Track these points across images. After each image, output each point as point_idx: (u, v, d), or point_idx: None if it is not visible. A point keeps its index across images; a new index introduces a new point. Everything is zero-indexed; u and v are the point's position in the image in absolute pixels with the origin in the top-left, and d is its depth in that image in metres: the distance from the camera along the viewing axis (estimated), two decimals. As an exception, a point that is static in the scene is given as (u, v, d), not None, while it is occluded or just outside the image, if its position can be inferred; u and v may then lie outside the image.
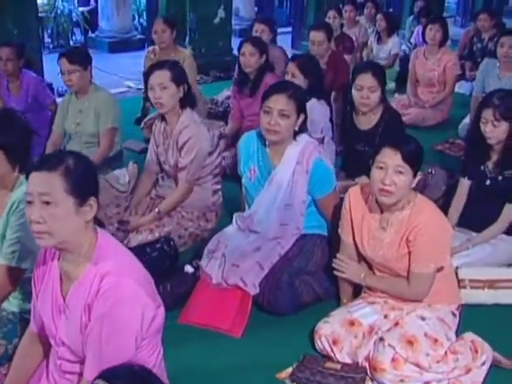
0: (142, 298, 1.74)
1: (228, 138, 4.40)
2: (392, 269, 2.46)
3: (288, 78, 3.84)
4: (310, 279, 2.81)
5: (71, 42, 9.04)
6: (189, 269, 2.96)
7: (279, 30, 11.07)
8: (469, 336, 2.46)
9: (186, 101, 3.23)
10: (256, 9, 11.80)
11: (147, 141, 4.01)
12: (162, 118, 3.33)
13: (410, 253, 2.37)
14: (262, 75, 4.23)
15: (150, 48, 5.11)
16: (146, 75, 3.23)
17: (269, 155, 2.89)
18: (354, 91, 3.54)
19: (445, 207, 3.39)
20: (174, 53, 4.95)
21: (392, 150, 2.26)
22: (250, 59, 4.19)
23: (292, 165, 2.80)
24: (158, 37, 4.87)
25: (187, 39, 7.09)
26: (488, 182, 3.12)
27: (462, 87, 6.62)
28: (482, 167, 3.14)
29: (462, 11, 11.00)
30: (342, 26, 6.09)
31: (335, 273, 2.65)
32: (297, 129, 2.80)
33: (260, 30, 5.13)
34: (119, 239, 3.29)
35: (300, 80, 3.80)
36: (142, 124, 4.94)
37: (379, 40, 6.84)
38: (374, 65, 3.70)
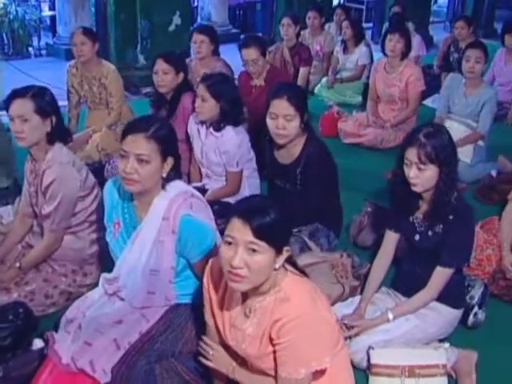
0: None
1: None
2: (258, 367, 1.88)
3: (198, 102, 3.28)
4: (178, 364, 2.23)
5: (30, 49, 8.52)
6: (37, 344, 2.40)
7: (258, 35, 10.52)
8: None
9: (54, 135, 2.69)
10: (238, 12, 11.29)
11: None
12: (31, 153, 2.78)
13: (275, 352, 1.79)
14: (179, 96, 3.67)
15: (72, 62, 4.54)
16: (6, 103, 2.67)
17: (135, 207, 2.33)
18: (268, 120, 2.96)
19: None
20: (97, 67, 4.40)
21: (241, 222, 1.67)
22: (163, 78, 3.63)
23: (158, 221, 2.24)
24: (77, 50, 4.30)
25: (139, 48, 6.55)
26: (417, 238, 2.53)
27: (435, 101, 6.01)
28: (411, 219, 2.55)
29: (451, 16, 10.35)
30: (298, 34, 5.48)
31: (200, 359, 2.08)
32: (164, 175, 2.24)
33: (199, 41, 4.55)
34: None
35: (211, 104, 3.25)
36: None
37: (345, 49, 6.25)
38: (292, 88, 3.08)
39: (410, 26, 6.74)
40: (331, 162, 3.09)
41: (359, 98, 6.07)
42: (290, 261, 1.88)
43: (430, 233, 2.48)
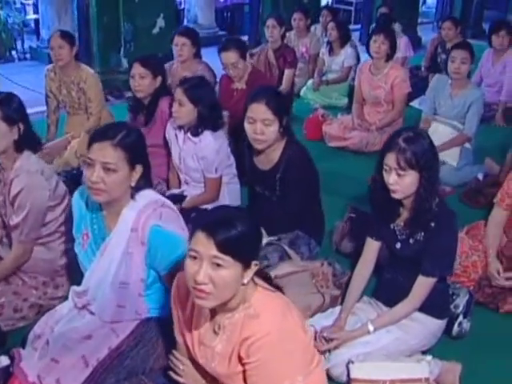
0: None
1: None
2: (230, 387, 1.80)
3: (175, 106, 3.18)
4: (148, 381, 2.14)
5: (14, 53, 8.39)
6: (3, 361, 2.29)
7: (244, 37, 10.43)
8: None
9: (22, 143, 2.59)
10: (226, 14, 11.20)
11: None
12: (0, 161, 2.69)
13: (245, 371, 1.70)
14: (157, 100, 3.58)
15: (50, 66, 4.44)
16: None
17: (104, 218, 2.24)
18: (246, 124, 2.87)
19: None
20: (75, 71, 4.30)
21: (205, 236, 1.58)
22: (140, 82, 3.53)
23: (126, 232, 2.14)
24: (54, 54, 4.20)
25: (122, 51, 6.44)
26: (398, 246, 2.44)
27: (423, 103, 5.94)
28: (392, 226, 2.46)
29: (439, 17, 10.31)
30: (283, 36, 5.39)
31: (171, 374, 2.00)
32: (133, 184, 2.15)
33: (180, 44, 4.46)
34: None
35: (189, 109, 3.16)
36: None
37: (331, 51, 6.17)
38: (271, 92, 2.98)
39: (397, 27, 6.67)
40: (311, 166, 3.00)
41: (345, 101, 5.99)
42: (262, 275, 1.79)
43: (411, 240, 2.39)
